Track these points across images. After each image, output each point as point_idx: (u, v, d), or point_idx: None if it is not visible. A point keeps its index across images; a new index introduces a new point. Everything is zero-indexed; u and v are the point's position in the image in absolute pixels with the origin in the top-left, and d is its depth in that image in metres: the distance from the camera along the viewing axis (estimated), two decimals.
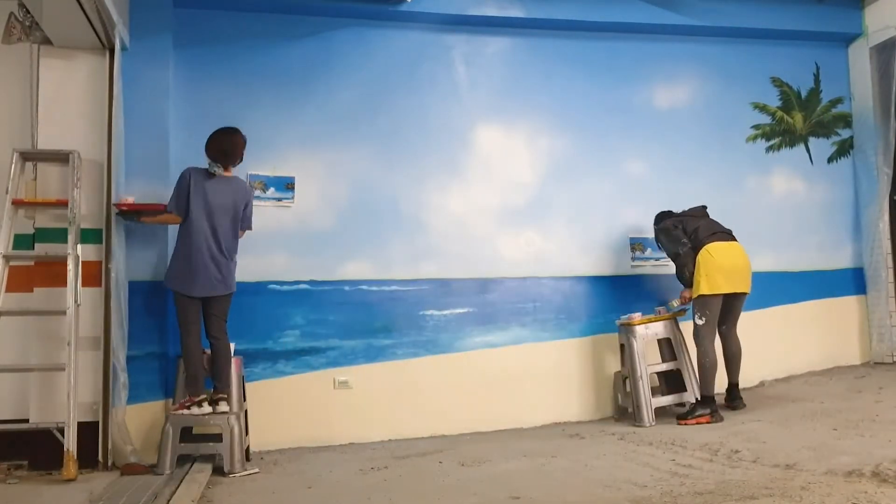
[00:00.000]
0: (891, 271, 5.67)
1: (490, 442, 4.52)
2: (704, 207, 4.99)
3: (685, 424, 4.45)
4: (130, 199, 4.20)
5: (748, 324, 5.50)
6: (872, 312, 5.74)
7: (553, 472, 3.61)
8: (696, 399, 4.63)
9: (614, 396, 5.05)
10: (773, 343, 5.54)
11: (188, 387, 4.03)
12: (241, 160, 4.26)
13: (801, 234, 5.73)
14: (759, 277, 5.58)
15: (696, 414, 4.49)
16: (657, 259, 5.40)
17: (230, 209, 4.13)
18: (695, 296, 4.65)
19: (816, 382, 5.29)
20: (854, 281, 5.81)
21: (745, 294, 4.77)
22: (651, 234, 5.27)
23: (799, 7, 5.67)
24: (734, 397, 4.76)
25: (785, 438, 3.76)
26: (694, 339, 4.67)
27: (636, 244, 5.41)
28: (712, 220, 4.89)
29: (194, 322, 4.05)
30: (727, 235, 4.79)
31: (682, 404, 4.77)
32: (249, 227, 4.30)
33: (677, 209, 5.13)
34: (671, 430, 4.33)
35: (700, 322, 4.61)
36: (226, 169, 4.18)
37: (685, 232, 4.75)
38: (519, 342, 5.14)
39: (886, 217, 5.70)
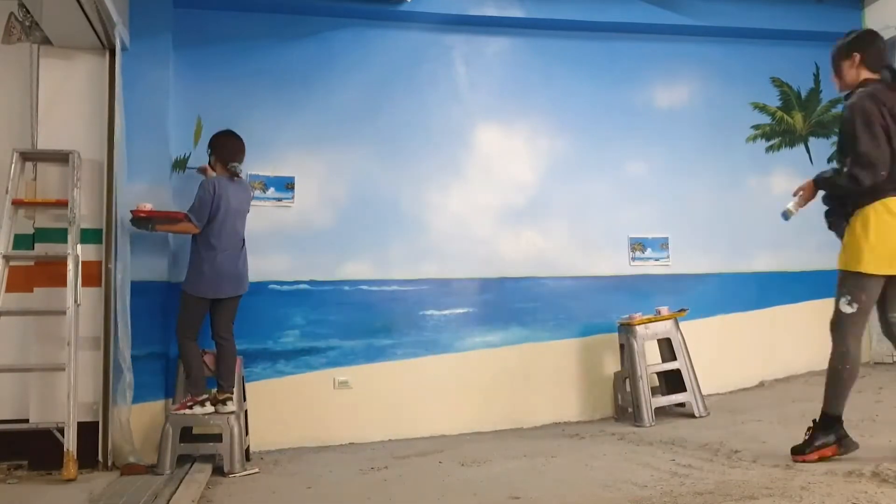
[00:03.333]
0: None
1: (490, 442, 4.52)
2: None
3: (803, 461, 3.28)
4: (148, 206, 4.16)
5: (749, 324, 5.53)
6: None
7: (553, 472, 3.61)
8: (813, 421, 3.38)
9: (614, 396, 5.05)
10: (773, 343, 5.54)
11: (191, 387, 4.03)
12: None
13: (800, 234, 5.71)
14: (758, 277, 5.61)
15: (817, 444, 3.30)
16: (657, 259, 5.41)
17: (245, 212, 4.29)
18: (846, 268, 3.33)
19: (816, 382, 5.23)
20: None
21: None
22: (650, 234, 5.30)
23: (799, 7, 5.67)
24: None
25: (785, 438, 3.75)
26: (832, 331, 3.39)
27: (636, 244, 5.41)
28: None
29: (199, 325, 4.09)
30: None
31: (681, 404, 4.77)
32: None
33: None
34: (671, 430, 4.33)
35: (849, 310, 3.30)
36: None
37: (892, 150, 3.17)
38: (519, 342, 5.14)
39: None
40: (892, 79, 3.31)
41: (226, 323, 4.16)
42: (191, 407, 3.96)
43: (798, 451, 3.35)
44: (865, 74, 3.35)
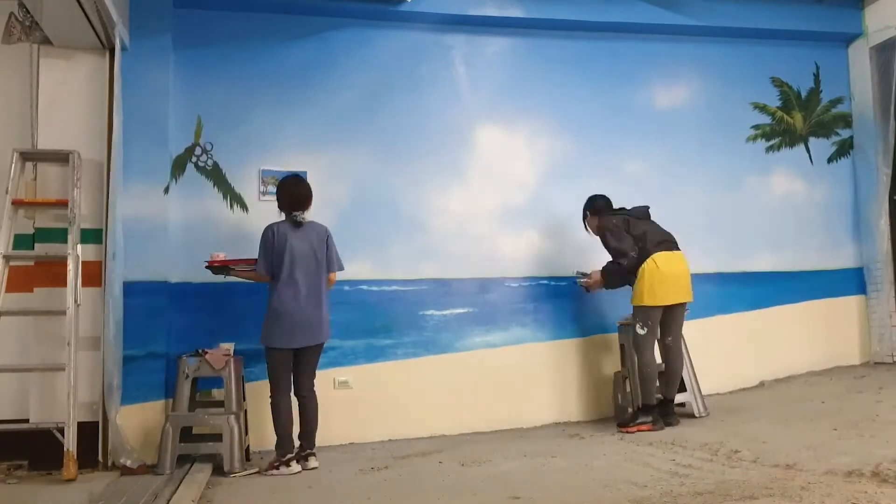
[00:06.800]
0: (891, 271, 5.67)
1: (490, 442, 4.52)
2: (647, 208, 4.76)
3: (626, 432, 4.39)
4: (221, 256, 4.18)
5: (749, 323, 5.54)
6: (873, 312, 5.73)
7: (553, 472, 3.61)
8: (637, 407, 4.50)
9: (614, 396, 5.05)
10: (773, 343, 5.54)
11: (278, 447, 3.96)
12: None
13: (801, 235, 5.73)
14: (759, 277, 5.62)
15: (638, 421, 4.42)
16: None
17: (311, 254, 4.09)
18: (636, 304, 4.50)
19: (816, 382, 5.29)
20: (854, 281, 5.80)
21: (686, 304, 4.62)
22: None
23: (799, 7, 5.68)
24: (667, 413, 4.50)
25: (785, 438, 3.76)
26: (634, 348, 4.54)
27: None
28: (656, 224, 4.69)
29: (286, 378, 4.02)
30: (672, 244, 4.60)
31: (681, 404, 4.77)
32: (341, 268, 4.27)
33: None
34: (671, 430, 4.33)
35: (642, 332, 4.47)
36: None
37: (632, 236, 4.55)
38: (519, 342, 5.14)
39: (886, 217, 5.69)
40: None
41: (307, 379, 4.07)
42: (278, 468, 3.90)
43: (623, 425, 4.50)
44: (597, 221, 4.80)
